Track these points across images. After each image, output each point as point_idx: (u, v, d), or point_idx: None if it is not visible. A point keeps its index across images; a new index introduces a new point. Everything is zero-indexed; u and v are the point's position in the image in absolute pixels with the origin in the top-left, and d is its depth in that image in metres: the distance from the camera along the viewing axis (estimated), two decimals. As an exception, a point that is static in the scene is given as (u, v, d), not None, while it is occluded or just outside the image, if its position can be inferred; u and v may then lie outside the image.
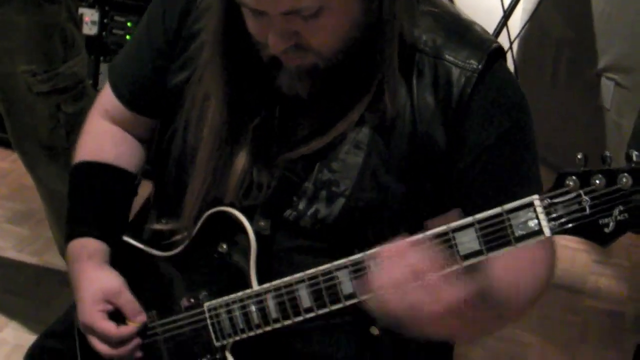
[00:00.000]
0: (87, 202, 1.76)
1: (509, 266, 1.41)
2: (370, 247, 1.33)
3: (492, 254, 1.23)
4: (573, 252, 3.88)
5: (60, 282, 3.21)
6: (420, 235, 1.29)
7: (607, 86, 4.05)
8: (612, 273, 3.76)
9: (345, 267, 1.34)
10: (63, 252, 2.97)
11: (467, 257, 1.25)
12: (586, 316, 3.46)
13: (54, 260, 3.45)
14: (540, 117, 3.98)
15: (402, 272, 1.26)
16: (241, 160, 1.55)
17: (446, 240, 1.25)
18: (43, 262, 3.54)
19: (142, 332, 1.65)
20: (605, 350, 3.25)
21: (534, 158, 1.52)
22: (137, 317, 1.64)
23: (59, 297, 3.09)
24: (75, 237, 1.71)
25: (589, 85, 4.16)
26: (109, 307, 1.64)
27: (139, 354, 1.66)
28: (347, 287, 1.34)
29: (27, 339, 1.96)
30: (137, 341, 1.64)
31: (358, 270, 1.33)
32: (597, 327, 3.40)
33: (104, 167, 1.76)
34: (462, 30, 1.52)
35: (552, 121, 4.30)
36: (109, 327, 1.62)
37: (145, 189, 1.84)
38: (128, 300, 1.64)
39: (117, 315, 1.65)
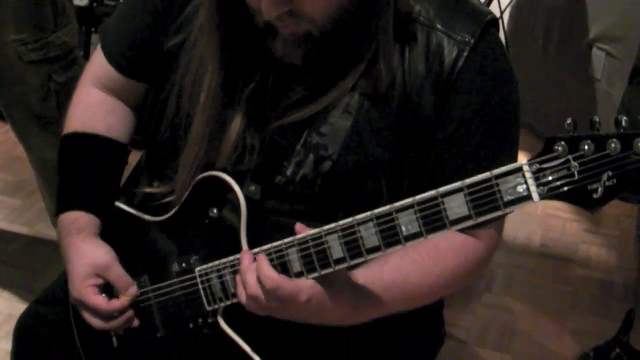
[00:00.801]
0: (78, 174, 1.76)
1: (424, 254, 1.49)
2: (354, 212, 1.34)
3: (481, 219, 1.24)
4: (564, 221, 3.90)
5: (53, 252, 3.20)
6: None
7: (598, 56, 4.05)
8: (602, 242, 3.77)
9: (335, 231, 1.35)
10: (55, 222, 2.98)
11: (455, 222, 1.25)
12: (576, 285, 3.48)
13: (46, 230, 3.46)
14: (531, 86, 4.00)
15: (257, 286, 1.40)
16: (235, 125, 1.55)
17: (435, 205, 1.26)
18: (35, 232, 3.55)
19: (134, 303, 1.66)
20: (595, 318, 3.26)
21: (515, 130, 1.54)
22: (129, 291, 1.65)
23: (51, 267, 3.10)
24: (65, 210, 1.71)
25: (580, 55, 4.15)
26: (100, 281, 1.65)
27: (130, 325, 1.67)
28: (336, 251, 1.35)
29: (20, 308, 1.97)
30: (128, 314, 1.65)
31: (348, 235, 1.33)
32: (587, 295, 3.41)
33: (95, 138, 1.76)
34: (456, 1, 1.53)
35: (542, 91, 4.30)
36: (100, 301, 1.63)
37: (134, 157, 1.84)
38: (118, 275, 1.66)
39: (108, 288, 1.66)
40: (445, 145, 1.50)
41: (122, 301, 1.64)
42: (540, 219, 3.92)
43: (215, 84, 1.55)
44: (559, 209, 3.98)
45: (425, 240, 1.29)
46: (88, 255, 1.67)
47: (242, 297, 1.44)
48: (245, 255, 1.44)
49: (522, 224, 3.85)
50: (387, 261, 1.47)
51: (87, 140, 1.76)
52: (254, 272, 1.40)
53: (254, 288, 1.40)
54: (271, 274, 1.38)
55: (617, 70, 3.88)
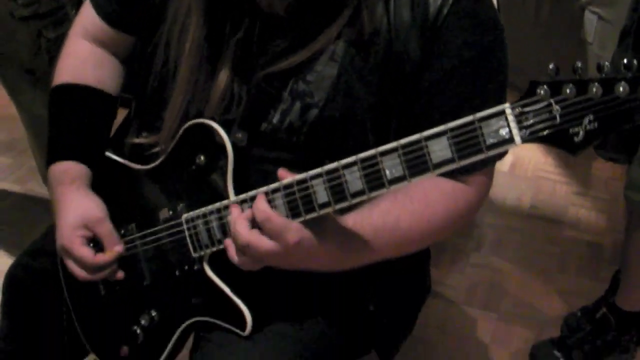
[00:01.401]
0: (68, 125, 1.76)
1: (416, 197, 1.49)
2: (341, 158, 1.34)
3: (463, 162, 1.24)
4: (553, 183, 3.91)
5: (44, 210, 3.20)
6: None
7: (590, 20, 4.03)
8: (591, 205, 3.79)
9: (320, 176, 1.35)
10: (46, 180, 2.99)
11: (438, 165, 1.26)
12: (565, 246, 3.49)
13: (37, 188, 3.47)
14: (523, 50, 3.99)
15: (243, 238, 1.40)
16: (223, 75, 1.56)
17: (419, 148, 1.27)
18: (26, 190, 3.56)
19: (118, 260, 1.67)
20: (583, 279, 3.28)
21: (503, 80, 1.54)
22: (115, 248, 1.66)
23: (42, 224, 3.05)
24: (56, 161, 1.72)
25: (572, 19, 4.14)
26: (88, 234, 1.66)
27: (115, 278, 1.69)
28: (321, 196, 1.35)
29: (11, 265, 1.98)
30: (112, 268, 1.67)
31: (332, 179, 1.34)
32: (576, 257, 3.43)
33: (85, 89, 1.77)
34: None
35: (534, 55, 4.29)
36: (87, 253, 1.65)
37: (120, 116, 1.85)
38: (107, 230, 1.67)
39: (94, 241, 1.67)
40: (432, 92, 1.51)
41: (107, 256, 1.65)
42: (530, 180, 3.93)
43: (199, 33, 1.56)
44: (549, 172, 3.99)
45: (415, 185, 1.29)
46: (80, 205, 1.68)
47: (233, 253, 1.45)
48: (234, 208, 1.45)
49: (512, 186, 3.86)
50: (377, 205, 1.47)
51: (77, 92, 1.77)
52: (244, 220, 1.41)
53: (245, 236, 1.40)
54: (264, 207, 1.38)
55: (608, 33, 3.87)
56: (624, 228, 2.80)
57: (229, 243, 1.45)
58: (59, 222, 1.68)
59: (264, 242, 1.38)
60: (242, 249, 1.41)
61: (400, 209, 1.49)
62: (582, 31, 4.09)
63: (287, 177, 1.39)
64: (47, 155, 1.75)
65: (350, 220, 1.46)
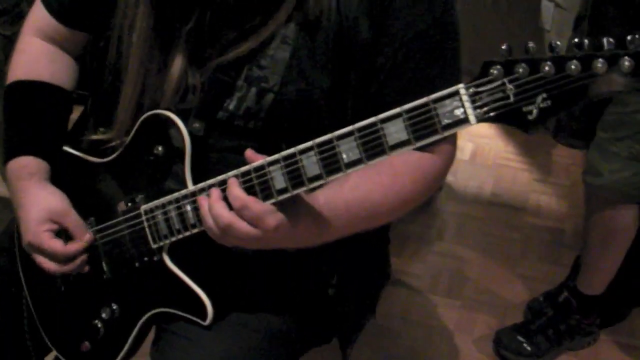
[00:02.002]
0: (24, 121, 1.75)
1: (385, 171, 1.50)
2: (298, 142, 1.35)
3: (419, 144, 1.25)
4: (514, 171, 3.94)
5: (4, 208, 3.19)
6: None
7: (547, 7, 4.08)
8: (552, 191, 3.82)
9: (277, 162, 1.35)
10: (4, 176, 2.97)
11: (394, 147, 1.27)
12: (527, 232, 3.52)
13: (-3, 187, 3.43)
14: (481, 39, 4.01)
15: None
16: (177, 65, 1.56)
17: (374, 131, 1.27)
18: (-15, 189, 3.52)
19: (88, 248, 1.66)
20: (545, 264, 3.31)
21: (456, 51, 1.55)
22: (85, 236, 1.65)
23: (2, 223, 3.08)
24: (13, 157, 1.70)
25: (529, 7, 4.18)
26: (55, 227, 1.65)
27: (84, 269, 1.68)
28: (279, 181, 1.36)
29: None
30: (83, 257, 1.66)
31: (290, 164, 1.34)
32: (538, 243, 3.46)
33: (40, 85, 1.75)
34: None
35: (492, 43, 4.31)
36: (57, 245, 1.64)
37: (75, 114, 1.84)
38: (74, 220, 1.66)
39: (60, 234, 1.66)
40: (386, 70, 1.51)
41: (78, 245, 1.65)
42: (491, 168, 3.96)
43: (145, 24, 1.56)
44: (510, 159, 4.02)
45: (380, 161, 1.30)
46: (43, 200, 1.66)
47: (214, 230, 1.43)
48: (213, 191, 1.43)
49: (474, 174, 3.89)
50: (346, 180, 1.47)
51: (32, 87, 1.76)
52: (222, 201, 1.41)
53: (226, 217, 1.39)
54: (240, 194, 1.38)
55: (565, 20, 3.91)
56: (583, 213, 2.83)
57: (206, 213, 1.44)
58: (23, 219, 1.67)
59: (243, 226, 1.39)
60: (222, 230, 1.41)
61: (369, 183, 1.50)
62: (539, 19, 4.13)
63: (254, 158, 1.39)
64: (4, 152, 1.73)
65: (322, 197, 1.46)
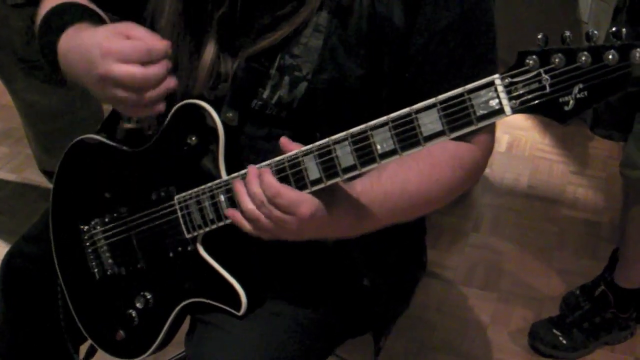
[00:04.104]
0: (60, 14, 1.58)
1: (422, 162, 1.48)
2: (332, 132, 1.34)
3: (454, 134, 1.24)
4: (551, 163, 3.91)
5: (41, 197, 3.23)
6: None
7: (585, -1, 4.04)
8: (589, 183, 3.79)
9: (311, 152, 1.35)
10: (42, 167, 2.99)
11: (428, 138, 1.26)
12: (563, 225, 3.50)
13: (33, 176, 3.47)
14: (517, 31, 3.99)
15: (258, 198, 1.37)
16: (209, 51, 1.56)
17: (409, 121, 1.26)
18: (22, 178, 3.56)
19: (112, 236, 1.67)
20: (581, 257, 3.29)
21: (491, 40, 1.53)
22: (163, 43, 1.43)
23: (39, 212, 3.10)
24: (62, 32, 1.54)
25: (567, -2, 4.15)
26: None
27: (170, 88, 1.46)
28: (313, 172, 1.35)
29: (9, 253, 1.98)
30: (168, 63, 1.44)
31: (323, 154, 1.34)
32: (574, 235, 3.44)
33: (76, 4, 1.60)
34: None
35: (529, 35, 4.28)
36: (134, 68, 1.40)
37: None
38: (143, 30, 1.44)
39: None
40: (421, 57, 1.50)
41: (161, 64, 1.41)
42: (527, 160, 3.93)
43: (174, 8, 1.56)
44: (547, 151, 3.99)
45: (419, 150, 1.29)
46: (103, 28, 1.47)
47: (243, 220, 1.42)
48: (251, 169, 1.41)
49: (510, 166, 3.87)
50: (384, 169, 1.46)
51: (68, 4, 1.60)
52: (257, 182, 1.39)
53: (254, 211, 1.39)
54: (273, 182, 1.37)
55: (603, 12, 3.87)
56: (621, 206, 2.81)
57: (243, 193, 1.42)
58: (86, 58, 1.44)
59: (276, 215, 1.37)
60: (252, 223, 1.41)
61: (407, 171, 1.49)
62: (577, 11, 4.09)
63: (289, 146, 1.38)
64: (42, 47, 1.58)
65: (359, 186, 1.45)
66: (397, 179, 1.48)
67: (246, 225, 1.43)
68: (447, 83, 1.25)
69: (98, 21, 1.54)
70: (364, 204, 1.45)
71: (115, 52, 1.39)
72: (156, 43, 1.40)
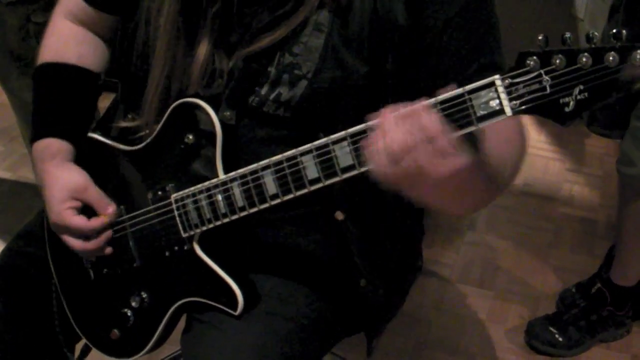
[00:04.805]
0: (48, 103, 1.76)
1: (499, 137, 1.40)
2: (333, 132, 1.33)
3: (454, 134, 1.23)
4: (546, 160, 3.91)
5: (36, 196, 3.20)
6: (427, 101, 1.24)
7: (581, -5, 4.04)
8: (585, 181, 3.79)
9: (310, 152, 1.35)
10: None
11: None
12: (559, 223, 3.50)
13: (29, 174, 3.48)
14: (513, 28, 3.98)
15: (413, 134, 1.20)
16: (203, 48, 1.55)
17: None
18: (18, 177, 3.56)
19: (114, 223, 1.67)
20: (577, 255, 3.29)
21: (495, 32, 1.51)
22: (107, 210, 1.65)
23: (34, 210, 3.07)
24: (38, 139, 1.72)
25: (563, -5, 4.14)
26: (77, 204, 1.65)
27: (109, 249, 1.68)
28: (311, 172, 1.35)
29: (5, 251, 1.98)
30: (109, 233, 1.66)
31: (322, 154, 1.33)
32: (570, 233, 3.44)
33: (66, 67, 1.76)
34: None
35: (525, 33, 4.27)
36: (80, 221, 1.64)
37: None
38: (95, 194, 1.66)
39: (86, 211, 1.66)
40: (424, 55, 1.49)
41: (102, 219, 1.65)
42: (523, 158, 3.92)
43: (172, 8, 1.55)
44: (543, 149, 3.99)
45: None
46: (63, 179, 1.67)
47: (382, 157, 1.23)
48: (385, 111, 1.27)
49: (506, 164, 3.86)
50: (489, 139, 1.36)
51: (58, 70, 1.77)
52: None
53: (408, 143, 1.20)
54: (436, 120, 1.21)
55: (599, 9, 3.86)
56: (617, 204, 2.81)
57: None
58: (46, 200, 1.68)
59: (430, 157, 1.21)
60: (395, 156, 1.21)
61: (495, 141, 1.38)
62: (572, 8, 4.09)
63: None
64: (30, 133, 1.75)
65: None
66: (493, 149, 1.38)
67: (384, 165, 1.23)
68: (450, 80, 1.24)
69: (78, 132, 1.75)
70: (487, 168, 1.36)
71: (62, 227, 1.65)
72: (95, 223, 1.65)
